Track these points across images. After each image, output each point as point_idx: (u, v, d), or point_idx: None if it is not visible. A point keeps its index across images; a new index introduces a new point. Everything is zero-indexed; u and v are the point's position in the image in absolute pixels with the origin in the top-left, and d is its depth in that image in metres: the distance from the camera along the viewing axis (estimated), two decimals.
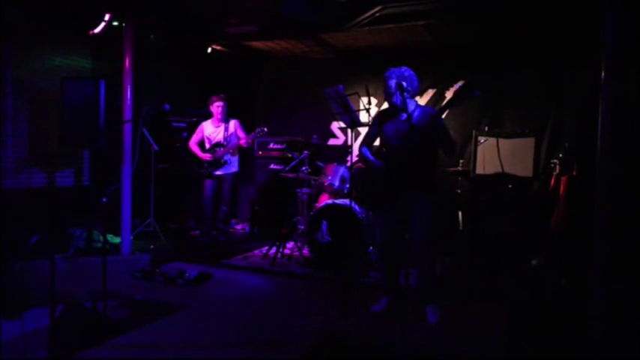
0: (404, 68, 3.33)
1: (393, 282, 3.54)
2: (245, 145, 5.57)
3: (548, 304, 3.89)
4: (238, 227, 7.06)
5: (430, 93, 6.14)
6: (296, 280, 4.52)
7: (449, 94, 6.03)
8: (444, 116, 5.36)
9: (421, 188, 3.32)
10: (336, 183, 5.01)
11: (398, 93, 3.27)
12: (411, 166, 3.20)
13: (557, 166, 4.45)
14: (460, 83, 5.98)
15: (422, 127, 3.22)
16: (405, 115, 3.28)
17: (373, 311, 3.57)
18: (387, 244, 3.45)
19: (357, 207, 4.76)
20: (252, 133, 5.42)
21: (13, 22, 4.96)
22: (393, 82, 3.29)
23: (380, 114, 3.63)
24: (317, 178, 5.54)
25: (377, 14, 5.04)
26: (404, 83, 3.26)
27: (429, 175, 3.38)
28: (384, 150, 3.49)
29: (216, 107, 5.56)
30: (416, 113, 3.30)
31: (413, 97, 3.38)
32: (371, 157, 3.54)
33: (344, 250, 4.63)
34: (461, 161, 5.31)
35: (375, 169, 3.46)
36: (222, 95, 5.62)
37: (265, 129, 5.37)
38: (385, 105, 3.59)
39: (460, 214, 5.32)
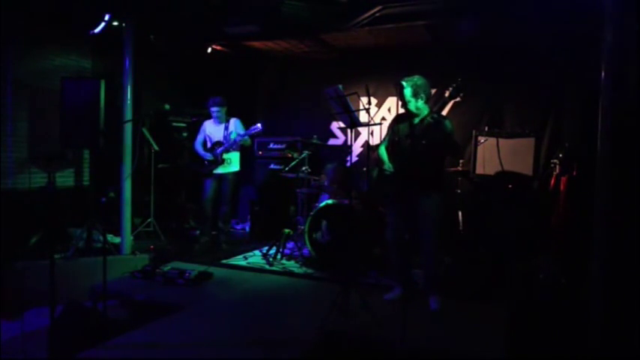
0: (417, 77, 3.66)
1: (403, 273, 3.87)
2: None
3: (548, 304, 3.90)
4: (238, 227, 7.06)
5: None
6: (296, 280, 4.51)
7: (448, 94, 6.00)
8: (445, 112, 5.37)
9: (428, 189, 3.61)
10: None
11: (413, 100, 3.62)
12: (420, 168, 3.47)
13: (557, 166, 4.45)
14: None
15: (431, 132, 3.51)
16: (417, 120, 3.63)
17: (386, 299, 3.85)
18: (396, 237, 3.79)
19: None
20: (247, 131, 5.35)
21: (14, 22, 4.96)
22: (408, 91, 3.62)
23: (396, 117, 3.89)
24: (317, 178, 5.54)
25: (377, 14, 5.03)
26: (418, 91, 3.61)
27: (436, 177, 3.67)
28: (396, 151, 3.75)
29: (212, 112, 5.51)
30: (427, 119, 3.58)
31: (426, 103, 3.69)
32: (385, 158, 3.82)
33: (344, 250, 4.63)
34: (461, 161, 5.30)
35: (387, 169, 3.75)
36: (217, 100, 5.44)
37: (259, 125, 5.26)
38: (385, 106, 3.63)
39: (460, 214, 5.32)
